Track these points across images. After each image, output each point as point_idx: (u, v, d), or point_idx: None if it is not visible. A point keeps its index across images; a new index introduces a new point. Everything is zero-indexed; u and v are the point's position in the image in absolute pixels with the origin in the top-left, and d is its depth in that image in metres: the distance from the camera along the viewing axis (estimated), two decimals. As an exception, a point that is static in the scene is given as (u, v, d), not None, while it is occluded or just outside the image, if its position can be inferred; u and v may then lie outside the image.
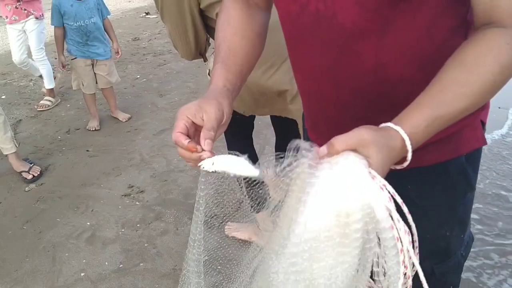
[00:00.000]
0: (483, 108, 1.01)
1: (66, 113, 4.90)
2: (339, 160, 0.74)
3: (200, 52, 2.19)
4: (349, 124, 0.89)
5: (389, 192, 0.75)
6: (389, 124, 0.79)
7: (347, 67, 0.92)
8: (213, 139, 0.83)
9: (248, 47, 1.05)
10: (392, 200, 0.76)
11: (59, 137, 4.30)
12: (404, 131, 0.77)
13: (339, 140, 0.76)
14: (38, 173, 3.61)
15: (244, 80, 1.04)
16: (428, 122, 0.78)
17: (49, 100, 5.00)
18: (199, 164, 0.83)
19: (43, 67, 4.91)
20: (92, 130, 4.39)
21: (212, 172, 0.82)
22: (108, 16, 4.37)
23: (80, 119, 4.70)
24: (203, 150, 0.84)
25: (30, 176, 3.55)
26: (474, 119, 0.99)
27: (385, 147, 0.75)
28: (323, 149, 0.77)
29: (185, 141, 0.84)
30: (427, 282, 1.11)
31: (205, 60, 2.26)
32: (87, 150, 4.03)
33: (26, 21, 4.64)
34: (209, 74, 2.20)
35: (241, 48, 1.04)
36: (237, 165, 0.82)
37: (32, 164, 3.66)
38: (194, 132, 0.88)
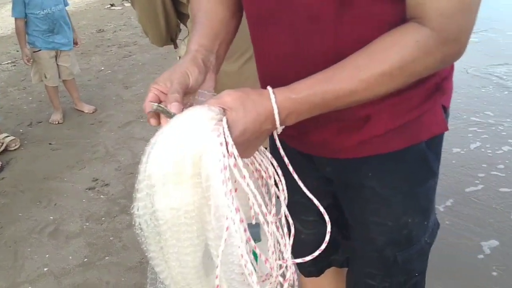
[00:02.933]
0: (444, 92, 1.00)
1: (28, 106, 4.77)
2: (190, 110, 0.79)
3: (171, 38, 2.16)
4: None
5: (228, 151, 0.76)
6: (268, 87, 0.82)
7: (308, 52, 0.91)
8: (179, 100, 0.81)
9: (225, 12, 1.03)
10: (231, 158, 0.77)
11: (21, 130, 4.18)
12: (274, 92, 0.80)
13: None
14: (-1, 167, 3.49)
15: (224, 45, 1.01)
16: (312, 91, 0.80)
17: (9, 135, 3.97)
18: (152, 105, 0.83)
19: None
20: (55, 123, 4.28)
21: (154, 108, 0.82)
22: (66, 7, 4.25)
23: (42, 112, 4.59)
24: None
25: (-10, 171, 3.42)
26: (433, 104, 0.98)
27: (252, 108, 0.79)
28: None
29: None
30: (390, 269, 1.13)
31: (176, 46, 2.22)
32: (50, 143, 3.94)
33: None
34: None
35: (216, 13, 1.02)
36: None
37: (-8, 158, 3.54)
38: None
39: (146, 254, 0.89)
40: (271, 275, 0.91)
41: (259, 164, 0.94)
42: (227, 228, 0.76)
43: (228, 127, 0.77)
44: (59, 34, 4.14)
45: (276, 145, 0.96)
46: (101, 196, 3.11)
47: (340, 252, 1.35)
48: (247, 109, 0.79)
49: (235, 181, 0.79)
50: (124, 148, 3.72)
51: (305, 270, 1.41)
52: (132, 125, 4.12)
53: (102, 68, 5.80)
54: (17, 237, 2.77)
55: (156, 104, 0.81)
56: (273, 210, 0.88)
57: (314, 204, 1.18)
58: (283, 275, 0.94)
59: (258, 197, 0.82)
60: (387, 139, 0.98)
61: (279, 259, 0.93)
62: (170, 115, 0.80)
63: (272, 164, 0.93)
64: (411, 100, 0.95)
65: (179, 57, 2.17)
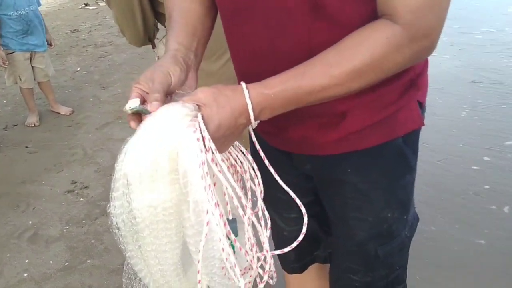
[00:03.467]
0: (419, 88, 1.01)
1: (3, 109, 4.69)
2: (165, 107, 0.79)
3: (149, 38, 2.14)
4: None
5: (205, 146, 0.77)
6: (242, 82, 0.83)
7: (283, 49, 0.91)
8: (159, 100, 0.80)
9: (199, 9, 1.02)
10: (208, 154, 0.78)
11: (-4, 133, 4.10)
12: (247, 88, 0.81)
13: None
14: (-26, 172, 3.42)
15: (201, 43, 1.01)
16: (284, 86, 0.81)
17: None
18: (126, 106, 0.83)
19: None
20: (32, 126, 4.21)
21: (132, 108, 0.81)
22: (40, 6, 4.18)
23: (18, 115, 4.51)
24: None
25: (-35, 176, 3.36)
26: (409, 100, 0.99)
27: (226, 103, 0.80)
28: None
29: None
30: (372, 263, 1.14)
31: (154, 46, 2.21)
32: (26, 147, 3.87)
33: None
34: None
35: (191, 10, 1.01)
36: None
37: (-33, 163, 3.47)
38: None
39: (124, 253, 0.89)
40: (250, 268, 0.92)
41: (234, 160, 0.95)
42: (207, 223, 0.77)
43: (203, 123, 0.78)
44: (33, 35, 4.06)
45: (255, 144, 0.96)
46: (81, 199, 3.07)
47: (322, 248, 1.36)
48: (220, 105, 0.79)
49: (214, 176, 0.79)
50: (103, 150, 3.68)
51: (288, 267, 1.42)
52: (110, 126, 4.07)
53: (78, 69, 5.72)
54: (-5, 243, 2.72)
55: (135, 106, 0.80)
56: (249, 205, 0.88)
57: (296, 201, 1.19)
58: (262, 268, 0.95)
59: (238, 189, 0.83)
60: (364, 135, 0.99)
61: (258, 252, 0.94)
62: (147, 113, 0.80)
63: (247, 158, 0.94)
64: (387, 96, 0.96)
65: (158, 57, 2.16)
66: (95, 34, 7.31)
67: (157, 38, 2.17)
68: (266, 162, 0.95)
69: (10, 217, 2.95)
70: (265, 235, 0.92)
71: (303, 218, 0.98)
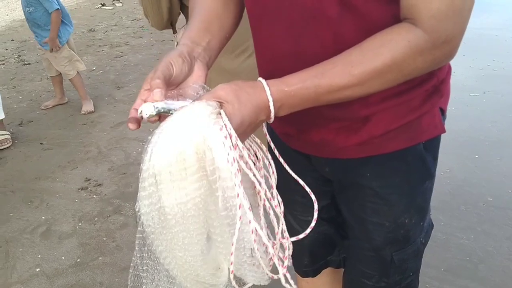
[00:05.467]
0: (442, 95, 1.01)
1: (18, 105, 4.73)
2: (189, 106, 0.80)
3: (171, 23, 2.19)
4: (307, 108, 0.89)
5: (231, 142, 0.78)
6: (260, 78, 0.84)
7: (308, 51, 0.91)
8: (160, 86, 0.81)
9: (220, 8, 1.03)
10: (237, 150, 0.79)
11: (11, 129, 4.12)
12: (267, 84, 0.82)
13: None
14: (-11, 166, 3.47)
15: (216, 39, 1.01)
16: (304, 84, 0.82)
17: (6, 133, 3.93)
18: (138, 111, 0.83)
19: None
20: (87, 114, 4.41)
21: (154, 114, 0.81)
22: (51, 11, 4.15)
23: (33, 111, 4.55)
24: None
25: (-20, 170, 3.40)
26: (432, 106, 0.99)
27: (247, 100, 0.80)
28: None
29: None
30: (387, 269, 1.14)
31: (175, 31, 2.25)
32: (41, 143, 3.90)
33: None
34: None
35: (210, 9, 1.02)
36: (175, 103, 0.83)
37: (-17, 158, 3.51)
38: None
39: (136, 253, 0.91)
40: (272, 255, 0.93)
41: (248, 149, 0.95)
42: (240, 217, 0.80)
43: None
44: (35, 32, 4.29)
45: (274, 142, 0.97)
46: (94, 196, 3.09)
47: (336, 253, 1.35)
48: (242, 102, 0.80)
49: (239, 171, 0.80)
50: (117, 148, 3.70)
51: (301, 270, 1.41)
52: (124, 125, 4.08)
53: (94, 68, 5.76)
54: (8, 237, 2.74)
55: (150, 112, 0.81)
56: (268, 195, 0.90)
57: (312, 204, 1.19)
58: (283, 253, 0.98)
59: (263, 183, 0.86)
60: (386, 140, 0.99)
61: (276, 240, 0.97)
62: (168, 113, 0.81)
63: (261, 148, 0.95)
64: (410, 102, 0.96)
65: (176, 44, 2.18)
66: (111, 34, 7.37)
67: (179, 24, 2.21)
68: (276, 152, 0.96)
69: (23, 212, 2.97)
70: (281, 222, 0.93)
71: (319, 221, 0.98)
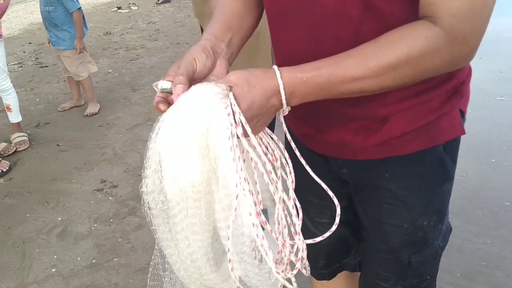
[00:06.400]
0: (462, 96, 1.01)
1: (35, 107, 4.79)
2: (197, 86, 0.80)
3: None
4: (326, 106, 0.88)
5: (234, 119, 0.78)
6: (274, 66, 0.84)
7: (328, 51, 0.91)
8: (183, 82, 0.82)
9: (240, 7, 1.04)
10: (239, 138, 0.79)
11: (28, 131, 4.19)
12: (279, 69, 0.82)
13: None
14: (7, 168, 3.52)
15: (237, 37, 1.01)
16: (318, 72, 0.82)
17: (23, 135, 3.99)
18: (157, 84, 0.85)
19: (12, 96, 3.88)
20: (90, 116, 4.46)
21: (168, 88, 0.83)
22: (72, 11, 4.21)
23: (50, 113, 4.61)
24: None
25: (-2, 171, 3.46)
26: (452, 108, 0.99)
27: (257, 83, 0.81)
28: None
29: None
30: (404, 272, 1.13)
31: None
32: (58, 145, 3.95)
33: None
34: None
35: (231, 8, 1.03)
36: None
37: (0, 159, 3.57)
38: None
39: (154, 235, 0.89)
40: (281, 258, 0.90)
41: (266, 147, 0.94)
42: (236, 196, 0.77)
43: (235, 102, 0.79)
44: (50, 32, 4.35)
45: (290, 142, 0.97)
46: (110, 198, 3.12)
47: (352, 256, 1.35)
48: (251, 84, 0.80)
49: (243, 152, 0.80)
50: (132, 151, 3.73)
51: (317, 273, 1.41)
52: (140, 127, 4.12)
53: (110, 70, 5.82)
54: (25, 237, 2.77)
55: (166, 86, 0.83)
56: (282, 194, 0.89)
57: (328, 206, 1.18)
58: (296, 255, 0.94)
59: (268, 165, 0.85)
60: (405, 141, 0.99)
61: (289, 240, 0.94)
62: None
63: (278, 146, 0.93)
64: (430, 103, 0.96)
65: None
66: (127, 37, 7.44)
67: None
68: (297, 152, 0.96)
69: (40, 213, 3.01)
70: (298, 223, 0.91)
71: (340, 222, 0.98)
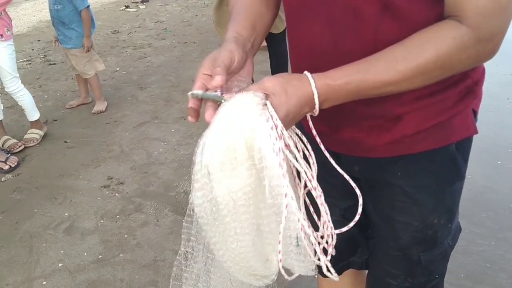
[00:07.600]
0: (475, 96, 1.02)
1: (44, 104, 4.82)
2: (237, 97, 0.83)
3: None
4: (341, 105, 0.90)
5: (277, 133, 0.81)
6: (305, 72, 0.85)
7: (347, 48, 0.92)
8: (221, 73, 0.83)
9: (261, 5, 1.06)
10: (281, 140, 0.82)
11: (36, 128, 4.21)
12: (312, 77, 0.83)
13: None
14: (15, 163, 3.55)
15: (259, 37, 1.03)
16: (349, 79, 0.83)
17: (36, 133, 4.02)
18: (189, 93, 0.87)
19: (22, 99, 3.87)
20: (98, 113, 4.50)
21: (199, 94, 0.85)
22: (81, 9, 4.22)
23: (58, 110, 4.64)
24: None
25: (6, 167, 3.49)
26: (465, 107, 1.00)
27: (293, 93, 0.82)
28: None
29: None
30: (413, 269, 1.13)
31: None
32: (65, 141, 3.98)
33: None
34: None
35: (253, 6, 1.05)
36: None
37: (9, 155, 3.60)
38: None
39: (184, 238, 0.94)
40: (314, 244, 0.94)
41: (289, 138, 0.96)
42: (286, 206, 0.81)
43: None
44: (58, 30, 4.36)
45: (316, 137, 0.99)
46: (116, 194, 3.14)
47: (359, 253, 1.35)
48: (288, 94, 0.82)
49: (284, 159, 0.83)
50: (139, 148, 3.75)
51: (323, 270, 1.42)
52: (147, 125, 4.14)
53: (117, 69, 5.85)
54: (32, 232, 2.80)
55: (197, 92, 0.85)
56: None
57: (337, 204, 1.19)
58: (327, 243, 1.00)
59: (308, 172, 0.89)
60: (418, 139, 1.00)
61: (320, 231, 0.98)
62: (219, 100, 0.84)
63: (301, 139, 0.95)
64: (443, 102, 0.97)
65: None
66: (135, 36, 7.46)
67: None
68: (322, 146, 0.97)
69: (47, 209, 3.04)
70: (324, 212, 0.95)
71: (343, 222, 0.99)
